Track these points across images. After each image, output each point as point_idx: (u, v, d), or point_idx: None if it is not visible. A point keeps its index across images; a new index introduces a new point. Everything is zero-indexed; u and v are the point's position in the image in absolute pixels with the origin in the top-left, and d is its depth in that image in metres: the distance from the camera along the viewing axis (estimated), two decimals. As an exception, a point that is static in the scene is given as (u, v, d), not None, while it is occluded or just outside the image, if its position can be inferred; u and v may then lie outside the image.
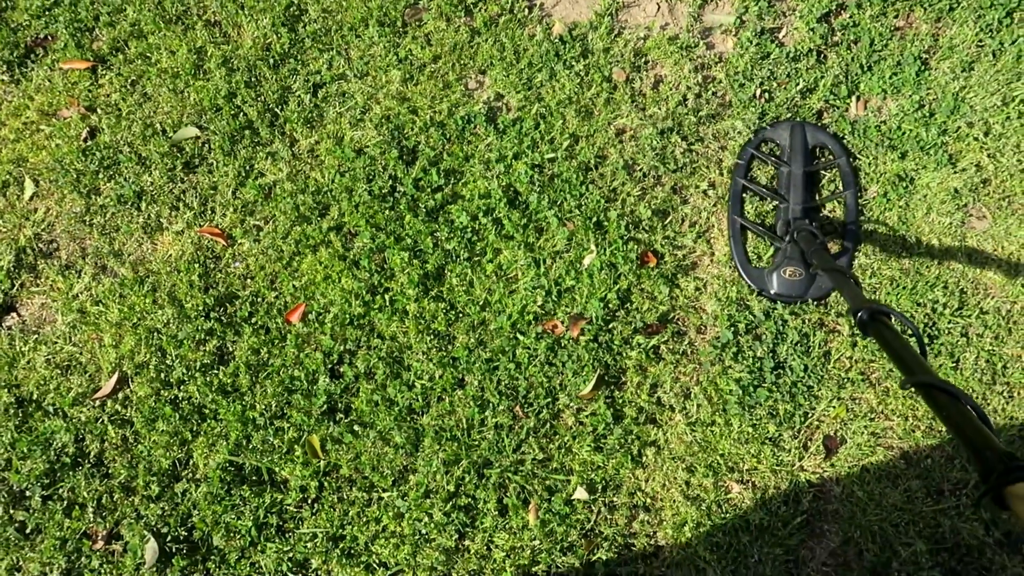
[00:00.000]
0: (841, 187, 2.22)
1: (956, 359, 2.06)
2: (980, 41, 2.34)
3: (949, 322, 2.08)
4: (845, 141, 2.26)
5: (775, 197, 2.20)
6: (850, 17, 2.40)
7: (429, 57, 2.38)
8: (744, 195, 2.22)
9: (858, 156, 2.25)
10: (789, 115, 2.28)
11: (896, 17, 2.39)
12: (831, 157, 2.25)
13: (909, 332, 1.56)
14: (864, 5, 2.39)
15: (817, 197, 2.22)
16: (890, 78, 2.32)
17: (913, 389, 1.09)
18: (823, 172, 2.26)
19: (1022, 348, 2.07)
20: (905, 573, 1.88)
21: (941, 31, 2.38)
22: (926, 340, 2.06)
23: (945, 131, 2.27)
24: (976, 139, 2.25)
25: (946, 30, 2.37)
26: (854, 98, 2.33)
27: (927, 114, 2.29)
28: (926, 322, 2.08)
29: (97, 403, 2.07)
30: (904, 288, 2.11)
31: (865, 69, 2.35)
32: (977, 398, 2.03)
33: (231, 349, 2.12)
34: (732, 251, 2.16)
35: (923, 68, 2.33)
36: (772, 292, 2.10)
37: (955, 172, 2.22)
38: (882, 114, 2.31)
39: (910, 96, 2.30)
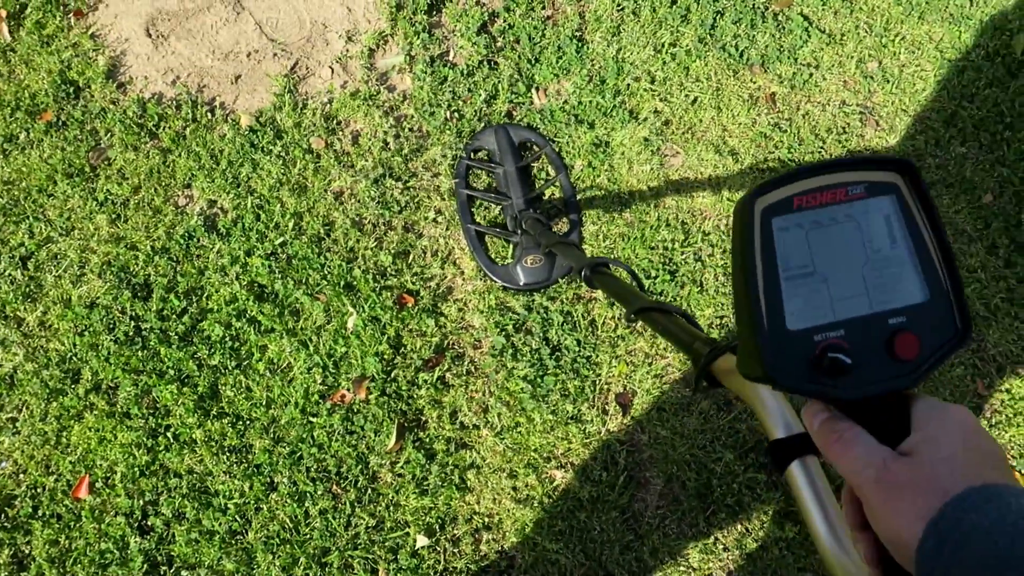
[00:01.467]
0: (553, 172, 2.38)
1: (699, 283, 2.25)
2: (619, 6, 2.58)
3: (682, 254, 2.28)
4: (543, 130, 2.42)
5: (499, 198, 2.32)
6: (504, 21, 2.57)
7: (129, 191, 2.35)
8: (471, 205, 2.34)
9: (556, 139, 2.42)
10: (483, 124, 2.42)
11: (543, 8, 2.59)
12: (536, 148, 2.41)
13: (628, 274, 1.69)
14: (512, 7, 2.57)
15: (535, 187, 2.36)
16: (557, 63, 2.51)
17: (635, 318, 1.21)
18: (534, 164, 2.41)
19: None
20: (725, 485, 2.03)
21: (585, 8, 2.60)
22: (667, 277, 2.24)
23: (619, 92, 2.48)
24: (646, 90, 2.48)
25: (588, 5, 2.59)
26: (534, 90, 2.50)
27: (599, 83, 2.49)
28: (663, 261, 2.26)
29: (-100, 666, 1.91)
30: (635, 239, 2.29)
31: (534, 62, 2.52)
32: (727, 308, 2.22)
33: (27, 551, 2.00)
34: (476, 259, 2.26)
35: (581, 45, 2.54)
36: (522, 284, 2.22)
37: (639, 124, 2.43)
38: (562, 95, 2.49)
39: (579, 72, 2.50)
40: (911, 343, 0.66)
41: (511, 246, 2.28)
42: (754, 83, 2.48)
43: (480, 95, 2.46)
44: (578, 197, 2.35)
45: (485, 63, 2.51)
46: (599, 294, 2.23)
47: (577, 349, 2.17)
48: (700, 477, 2.05)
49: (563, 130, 2.42)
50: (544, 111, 2.45)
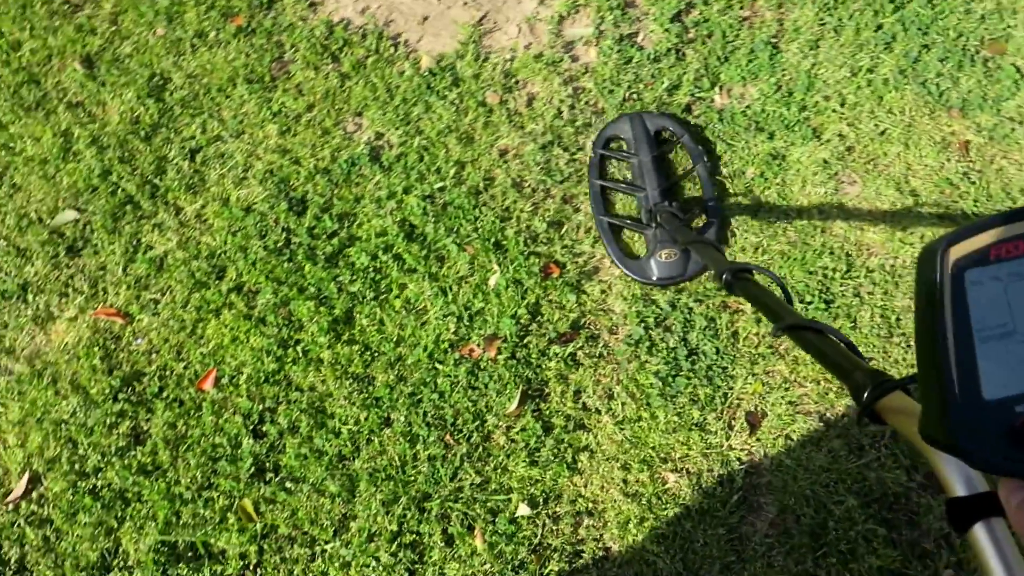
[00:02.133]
0: (691, 163, 2.31)
1: (853, 319, 2.16)
2: (821, 20, 2.49)
3: (841, 285, 2.19)
4: (719, 131, 2.36)
5: (633, 189, 2.26)
6: (700, 14, 2.51)
7: (303, 107, 2.38)
8: (605, 196, 2.29)
9: (731, 143, 2.35)
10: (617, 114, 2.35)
11: (742, 8, 2.52)
12: (675, 138, 2.34)
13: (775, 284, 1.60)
14: (710, 1, 2.51)
15: (671, 178, 2.30)
16: (747, 65, 2.44)
17: (782, 334, 1.12)
18: (671, 154, 2.36)
19: (911, 298, 2.19)
20: (842, 530, 1.95)
21: (784, 15, 2.52)
22: (822, 305, 2.15)
23: (805, 107, 2.39)
24: (834, 111, 2.39)
25: (789, 14, 2.51)
26: (717, 88, 2.43)
27: (786, 94, 2.41)
28: (820, 288, 2.18)
29: (10, 507, 1.97)
30: (795, 259, 2.21)
31: (723, 60, 2.46)
32: (878, 352, 2.13)
33: (146, 428, 2.05)
34: (608, 251, 2.22)
35: (775, 52, 2.46)
36: (655, 278, 2.16)
37: (821, 144, 2.35)
38: (745, 100, 2.42)
39: (767, 80, 2.42)
40: None
41: (645, 239, 2.23)
42: (949, 127, 2.37)
43: (663, 83, 2.41)
44: (717, 194, 2.27)
45: (673, 51, 2.46)
46: (748, 307, 2.16)
47: (715, 357, 2.11)
48: (817, 516, 1.97)
49: (740, 135, 2.35)
50: (724, 112, 2.39)
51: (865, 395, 0.85)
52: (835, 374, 0.95)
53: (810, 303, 2.16)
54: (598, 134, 2.33)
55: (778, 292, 1.29)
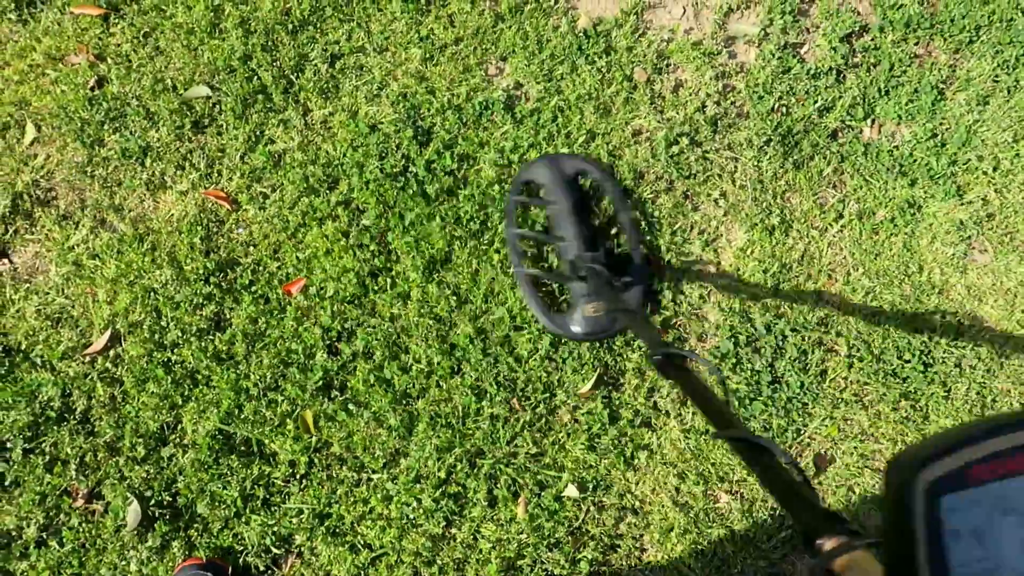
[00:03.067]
0: (614, 209, 2.13)
1: (948, 389, 2.09)
2: (996, 76, 2.36)
3: (944, 351, 2.11)
4: (858, 165, 2.27)
5: (553, 239, 2.08)
6: (872, 40, 2.40)
7: (451, 38, 2.35)
8: (525, 246, 2.13)
9: (868, 180, 2.26)
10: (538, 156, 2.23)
11: (916, 44, 2.40)
12: (596, 183, 2.16)
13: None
14: (886, 29, 2.40)
15: (594, 226, 2.12)
16: (906, 104, 2.34)
17: (724, 441, 0.96)
18: (595, 200, 2.19)
19: (1012, 383, 2.10)
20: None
21: (959, 63, 2.40)
22: (920, 367, 2.08)
23: (955, 162, 2.29)
24: (985, 173, 2.28)
25: (964, 62, 2.39)
26: (869, 121, 2.34)
27: (939, 144, 2.31)
28: (922, 349, 2.10)
29: (87, 359, 2.03)
30: (904, 314, 2.13)
31: (882, 93, 2.36)
32: (966, 429, 2.05)
33: (229, 316, 2.08)
34: (530, 304, 2.05)
35: (939, 98, 2.35)
36: (579, 335, 2.00)
37: (962, 204, 2.25)
38: (895, 139, 2.33)
39: (924, 124, 2.32)
40: None
41: (569, 290, 2.07)
42: (1101, 219, 2.25)
43: (815, 101, 2.32)
44: (645, 244, 2.19)
45: (834, 72, 2.37)
46: (843, 348, 2.10)
47: (798, 390, 2.06)
48: (862, 575, 1.92)
49: (881, 174, 2.26)
50: (870, 146, 2.30)
51: (817, 545, 0.71)
52: (783, 507, 0.81)
53: (908, 362, 2.09)
54: (514, 179, 2.16)
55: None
